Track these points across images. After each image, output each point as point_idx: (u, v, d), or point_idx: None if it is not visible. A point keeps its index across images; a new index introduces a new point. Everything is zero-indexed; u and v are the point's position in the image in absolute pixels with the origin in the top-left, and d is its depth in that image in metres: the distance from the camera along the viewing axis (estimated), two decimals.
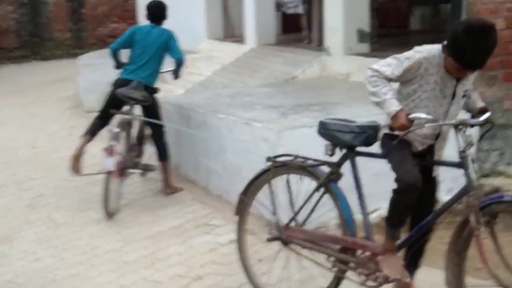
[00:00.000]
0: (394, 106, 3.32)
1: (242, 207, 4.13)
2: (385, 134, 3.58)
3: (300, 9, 9.42)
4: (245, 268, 4.24)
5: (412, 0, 9.45)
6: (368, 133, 3.59)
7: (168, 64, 6.55)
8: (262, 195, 4.09)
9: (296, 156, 3.95)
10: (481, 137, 3.77)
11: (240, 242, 4.23)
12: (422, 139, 3.55)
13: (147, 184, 6.64)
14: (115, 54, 6.49)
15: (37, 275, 4.76)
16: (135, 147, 6.32)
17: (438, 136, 3.58)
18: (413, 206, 3.46)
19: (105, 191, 5.67)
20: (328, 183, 3.73)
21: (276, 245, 4.08)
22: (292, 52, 8.63)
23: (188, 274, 4.63)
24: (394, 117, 3.32)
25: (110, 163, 5.68)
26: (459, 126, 3.30)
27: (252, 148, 5.50)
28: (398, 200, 3.45)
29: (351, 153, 3.70)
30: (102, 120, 6.33)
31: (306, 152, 5.19)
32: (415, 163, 3.45)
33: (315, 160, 3.89)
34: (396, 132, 3.41)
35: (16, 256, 5.13)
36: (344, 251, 3.68)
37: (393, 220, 3.53)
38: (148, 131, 6.44)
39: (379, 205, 5.47)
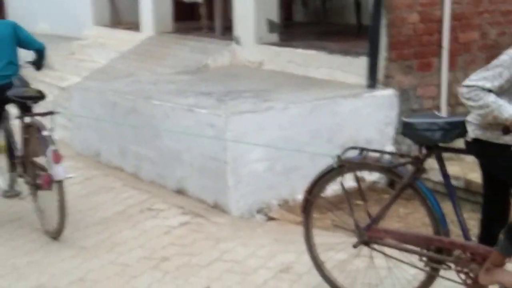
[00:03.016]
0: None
1: (308, 206, 3.94)
2: (482, 142, 3.25)
3: None
4: (318, 267, 4.05)
5: None
6: (460, 128, 3.35)
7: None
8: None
9: (362, 149, 3.71)
10: None
11: (309, 241, 4.04)
12: None
13: None
14: None
15: None
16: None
17: None
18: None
19: (62, 203, 4.86)
20: (414, 181, 3.54)
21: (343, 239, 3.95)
22: (198, 41, 8.77)
23: (153, 256, 4.73)
24: None
25: (62, 170, 4.87)
26: None
27: (194, 133, 5.65)
28: None
29: (437, 149, 3.48)
30: None
31: (252, 137, 5.48)
32: None
33: (389, 153, 3.87)
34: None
35: None
36: (439, 251, 3.53)
37: None
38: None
39: None
